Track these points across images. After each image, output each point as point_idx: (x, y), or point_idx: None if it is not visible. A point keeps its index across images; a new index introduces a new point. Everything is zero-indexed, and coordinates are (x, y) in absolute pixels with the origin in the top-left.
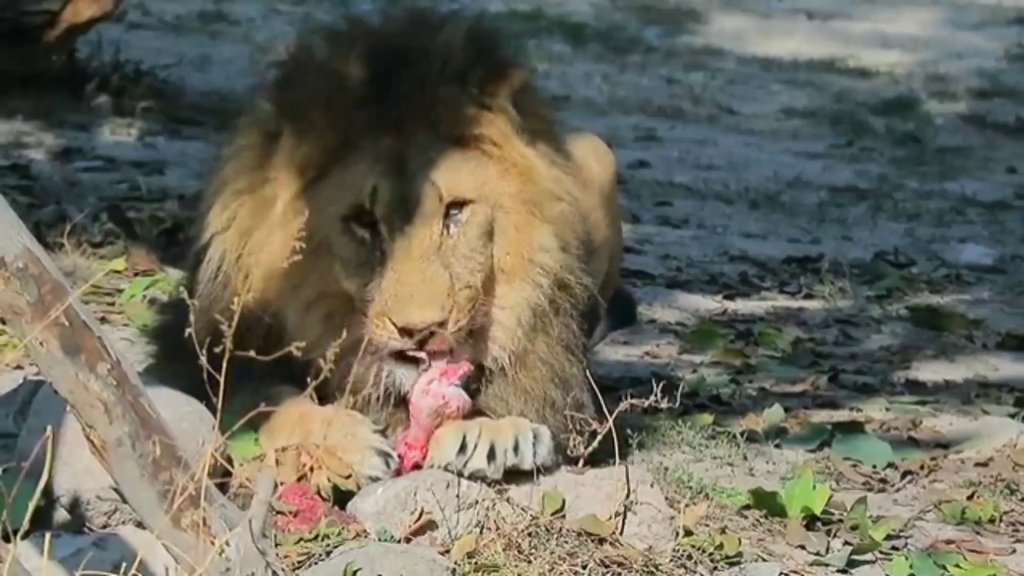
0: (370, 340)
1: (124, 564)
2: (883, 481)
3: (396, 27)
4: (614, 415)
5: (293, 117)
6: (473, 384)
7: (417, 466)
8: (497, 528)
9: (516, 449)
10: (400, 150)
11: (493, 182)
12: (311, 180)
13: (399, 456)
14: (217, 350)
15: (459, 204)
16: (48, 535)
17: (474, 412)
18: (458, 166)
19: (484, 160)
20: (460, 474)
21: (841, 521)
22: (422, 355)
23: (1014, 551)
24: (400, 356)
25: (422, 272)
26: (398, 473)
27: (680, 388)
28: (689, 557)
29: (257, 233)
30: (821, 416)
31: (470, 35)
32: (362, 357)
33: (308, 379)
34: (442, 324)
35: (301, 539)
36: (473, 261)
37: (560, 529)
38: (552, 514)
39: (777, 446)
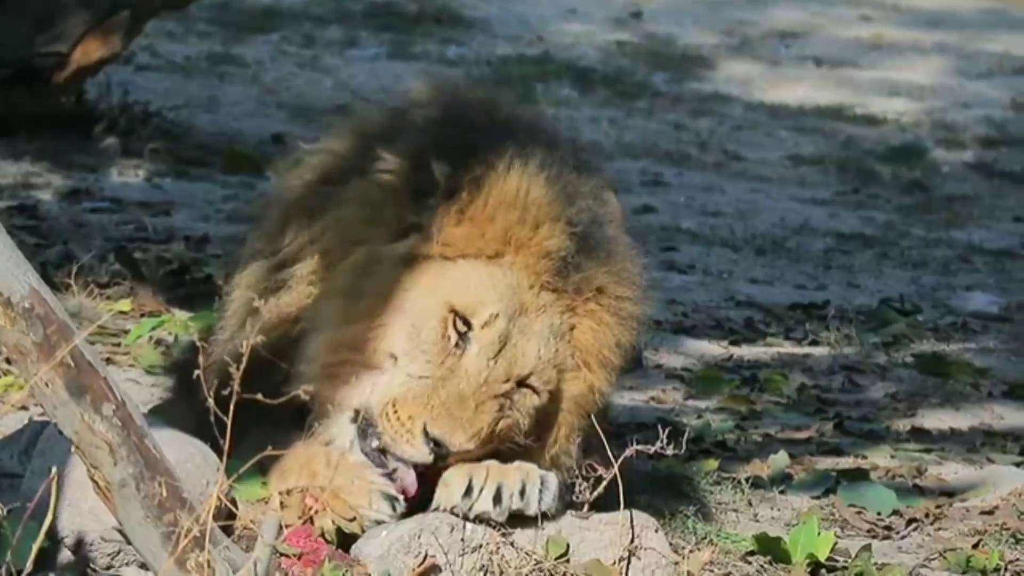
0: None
1: None
2: (888, 528)
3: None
4: (619, 460)
5: (474, 182)
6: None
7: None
8: (501, 572)
9: (522, 493)
10: (524, 303)
11: (564, 383)
12: (440, 255)
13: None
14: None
15: (536, 384)
16: None
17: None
18: (553, 354)
19: (570, 360)
20: (465, 516)
21: (845, 568)
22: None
23: None
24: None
25: (482, 401)
26: (405, 514)
27: (685, 434)
28: None
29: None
30: (826, 463)
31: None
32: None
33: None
34: (464, 454)
35: None
36: (521, 423)
37: (564, 574)
38: (556, 558)
39: (782, 492)
